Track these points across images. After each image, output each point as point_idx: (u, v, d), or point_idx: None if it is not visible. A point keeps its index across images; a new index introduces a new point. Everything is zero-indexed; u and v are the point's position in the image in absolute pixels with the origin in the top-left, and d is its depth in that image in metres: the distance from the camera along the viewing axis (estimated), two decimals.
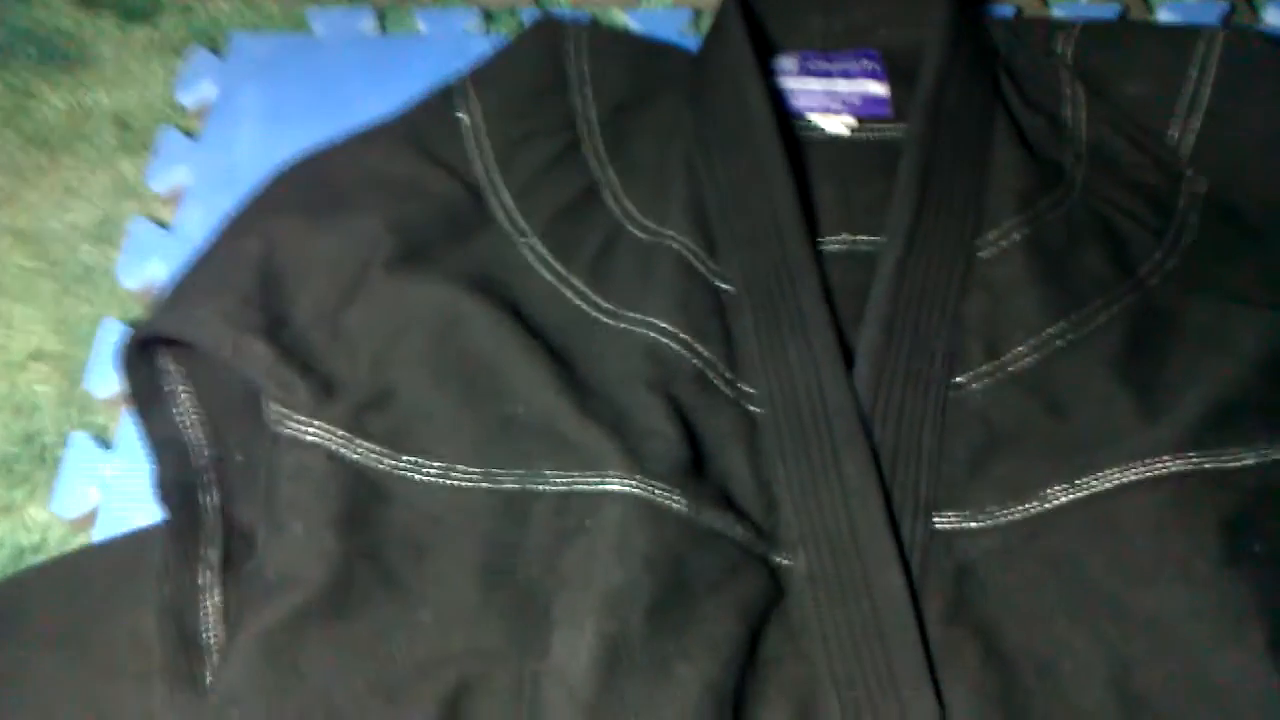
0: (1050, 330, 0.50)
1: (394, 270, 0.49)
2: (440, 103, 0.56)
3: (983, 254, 0.52)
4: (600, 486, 0.45)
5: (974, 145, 0.55)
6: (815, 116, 0.58)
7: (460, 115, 0.55)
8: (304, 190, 0.54)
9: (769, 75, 0.58)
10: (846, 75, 0.59)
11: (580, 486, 0.46)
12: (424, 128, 0.55)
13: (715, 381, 0.49)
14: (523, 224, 0.53)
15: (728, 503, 0.46)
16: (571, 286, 0.51)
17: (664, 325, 0.50)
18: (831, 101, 0.58)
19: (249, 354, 0.47)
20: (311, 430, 0.46)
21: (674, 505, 0.44)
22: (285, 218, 0.51)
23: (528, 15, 0.62)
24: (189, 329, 0.48)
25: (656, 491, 0.44)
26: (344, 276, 0.50)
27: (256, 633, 0.44)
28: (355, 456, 0.46)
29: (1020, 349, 0.50)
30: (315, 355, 0.48)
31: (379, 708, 0.42)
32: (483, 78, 0.57)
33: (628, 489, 0.44)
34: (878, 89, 0.59)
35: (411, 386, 0.48)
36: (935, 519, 0.47)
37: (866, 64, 0.60)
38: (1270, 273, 0.52)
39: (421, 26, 0.71)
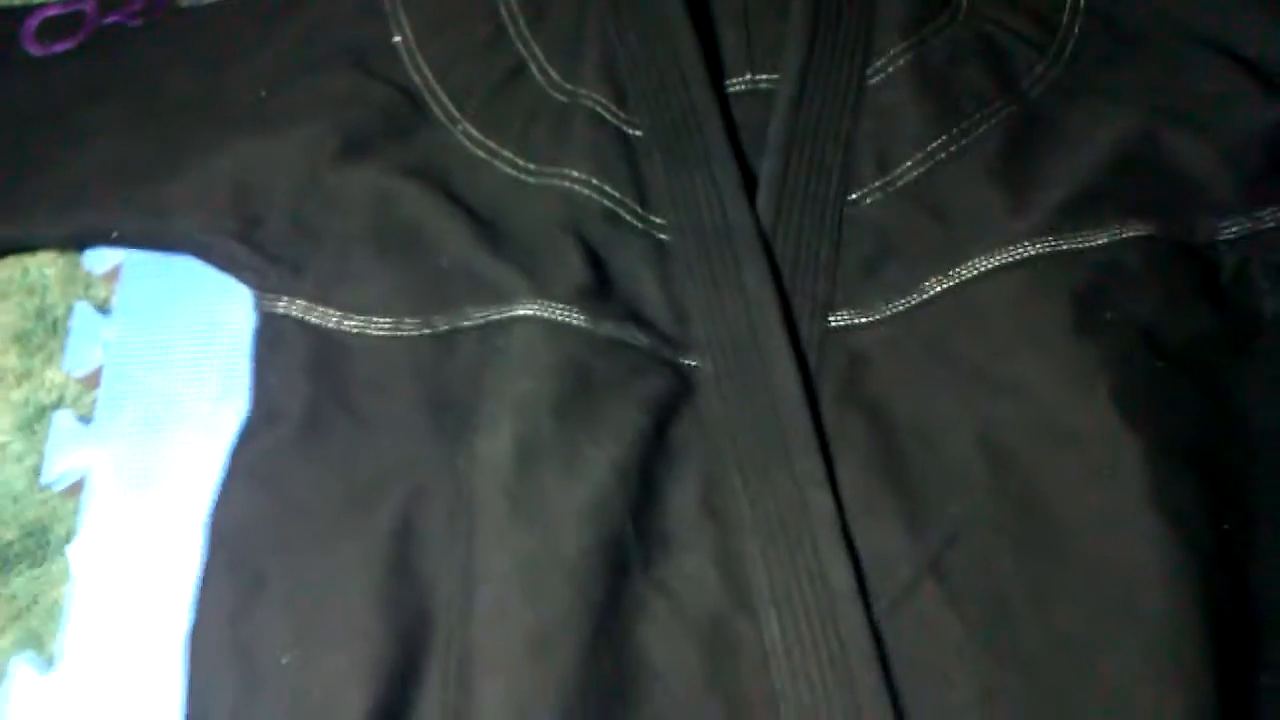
0: (934, 144, 0.54)
1: (337, 165, 0.56)
2: (375, 28, 0.60)
3: (872, 81, 0.56)
4: (509, 313, 0.51)
5: None
6: None
7: (396, 39, 0.60)
8: (261, 106, 0.59)
9: None
10: None
11: (495, 317, 0.52)
12: (362, 52, 0.60)
13: (626, 217, 0.55)
14: (457, 114, 0.58)
15: (632, 317, 0.52)
16: (501, 158, 0.57)
17: (575, 173, 0.55)
18: None
19: (229, 256, 0.57)
20: (281, 304, 0.54)
21: (573, 321, 0.51)
22: (246, 133, 0.58)
23: None
24: (179, 240, 0.58)
25: (557, 311, 0.51)
26: (299, 176, 0.56)
27: (248, 461, 0.52)
28: (318, 321, 0.53)
29: (907, 164, 0.54)
30: (282, 245, 0.56)
31: (349, 514, 0.50)
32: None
33: (532, 312, 0.51)
34: None
35: (361, 260, 0.55)
36: (830, 318, 0.52)
37: None
38: (1147, 74, 0.56)
39: None
